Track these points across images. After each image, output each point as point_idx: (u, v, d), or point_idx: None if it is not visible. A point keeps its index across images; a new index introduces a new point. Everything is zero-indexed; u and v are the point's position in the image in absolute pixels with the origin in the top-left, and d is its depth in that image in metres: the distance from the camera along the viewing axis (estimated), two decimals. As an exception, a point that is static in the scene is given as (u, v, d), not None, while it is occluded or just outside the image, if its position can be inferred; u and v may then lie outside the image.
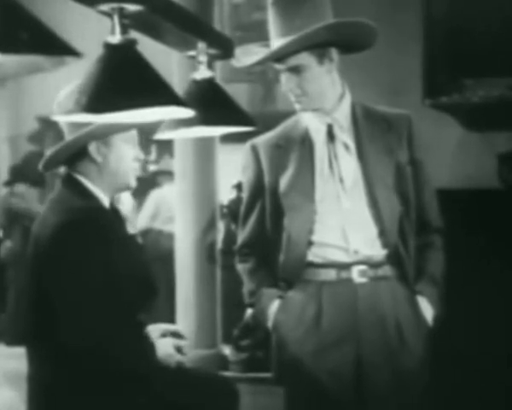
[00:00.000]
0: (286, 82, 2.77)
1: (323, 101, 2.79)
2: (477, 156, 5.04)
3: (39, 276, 2.64)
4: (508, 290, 4.38)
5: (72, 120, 2.34)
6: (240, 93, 7.35)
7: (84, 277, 2.57)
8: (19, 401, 2.81)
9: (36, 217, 2.81)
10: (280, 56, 2.73)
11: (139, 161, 2.82)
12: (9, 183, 8.10)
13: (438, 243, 2.94)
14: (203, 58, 2.38)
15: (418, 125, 2.90)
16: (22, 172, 7.94)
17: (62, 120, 2.64)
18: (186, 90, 2.39)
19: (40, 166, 2.77)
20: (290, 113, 2.92)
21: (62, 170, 2.84)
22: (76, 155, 2.74)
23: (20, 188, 7.84)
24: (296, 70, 2.73)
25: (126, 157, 2.76)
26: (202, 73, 2.40)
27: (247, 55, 2.80)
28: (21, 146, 9.39)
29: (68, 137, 2.71)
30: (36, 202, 7.54)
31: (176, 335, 2.85)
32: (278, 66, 2.76)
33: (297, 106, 2.80)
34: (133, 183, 2.80)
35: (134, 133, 2.79)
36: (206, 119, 2.31)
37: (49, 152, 2.74)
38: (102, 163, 2.73)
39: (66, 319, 2.56)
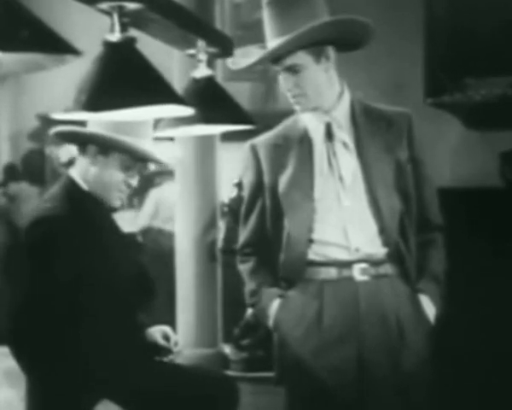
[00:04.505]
0: (284, 82, 2.77)
1: (321, 99, 2.79)
2: (479, 155, 5.04)
3: (24, 269, 2.68)
4: (509, 289, 4.38)
5: (70, 118, 2.35)
6: (241, 92, 7.32)
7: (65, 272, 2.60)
8: (18, 400, 2.81)
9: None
10: (276, 57, 2.72)
11: (129, 187, 2.85)
12: (2, 184, 8.09)
13: (438, 240, 2.94)
14: (203, 56, 2.38)
15: (420, 123, 2.90)
16: (19, 171, 7.93)
17: (62, 117, 2.65)
18: (185, 89, 2.40)
19: (51, 131, 2.83)
20: (292, 111, 2.91)
21: (63, 170, 2.88)
22: (79, 152, 2.78)
23: (13, 188, 7.82)
24: (293, 70, 2.73)
25: (114, 179, 2.80)
26: (202, 71, 2.41)
27: (247, 57, 2.80)
28: (22, 144, 9.39)
29: (90, 127, 2.77)
30: (35, 200, 7.52)
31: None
32: (275, 66, 2.76)
33: (296, 107, 2.80)
34: (116, 204, 2.84)
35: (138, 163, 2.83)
36: (205, 117, 2.31)
37: (60, 127, 2.80)
38: (94, 169, 2.77)
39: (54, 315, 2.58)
